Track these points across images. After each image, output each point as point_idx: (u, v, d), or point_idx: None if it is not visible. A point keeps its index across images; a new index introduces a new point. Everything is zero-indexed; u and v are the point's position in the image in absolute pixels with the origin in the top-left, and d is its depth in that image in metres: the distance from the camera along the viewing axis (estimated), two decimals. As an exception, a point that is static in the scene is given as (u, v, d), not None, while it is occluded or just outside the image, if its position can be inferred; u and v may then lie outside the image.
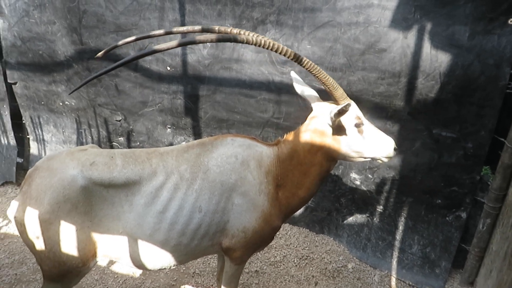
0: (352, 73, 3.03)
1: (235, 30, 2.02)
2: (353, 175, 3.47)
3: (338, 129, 2.10)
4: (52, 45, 3.90)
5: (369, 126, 2.14)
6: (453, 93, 2.80)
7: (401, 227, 3.42)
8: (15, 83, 4.31)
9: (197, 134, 3.86)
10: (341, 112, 1.98)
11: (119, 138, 4.21)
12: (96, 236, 2.08)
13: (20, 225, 2.03)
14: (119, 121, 4.08)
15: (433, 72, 2.80)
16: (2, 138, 4.63)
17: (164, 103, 3.79)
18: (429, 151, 3.06)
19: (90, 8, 3.56)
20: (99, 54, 2.11)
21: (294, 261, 3.55)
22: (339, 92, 2.07)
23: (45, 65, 4.06)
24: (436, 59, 2.76)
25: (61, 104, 4.24)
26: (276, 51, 1.90)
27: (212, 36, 1.82)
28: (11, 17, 3.92)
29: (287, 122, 3.45)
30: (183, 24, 3.37)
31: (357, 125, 2.09)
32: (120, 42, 2.08)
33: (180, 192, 2.11)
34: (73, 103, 4.18)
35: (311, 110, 2.26)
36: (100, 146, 4.31)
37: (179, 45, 1.82)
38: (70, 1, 3.59)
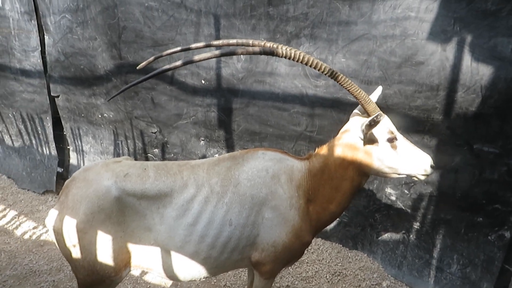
0: (388, 87, 2.98)
1: (269, 44, 2.03)
2: (389, 190, 3.39)
3: (370, 143, 2.06)
4: (93, 60, 4.06)
5: (403, 141, 2.07)
6: (496, 107, 2.69)
7: (439, 245, 3.29)
8: (57, 96, 4.51)
9: (230, 147, 3.89)
10: (372, 124, 1.94)
11: (154, 150, 4.30)
12: (128, 247, 2.12)
13: (57, 234, 2.10)
14: (155, 133, 4.18)
15: (474, 86, 2.70)
16: (44, 149, 4.84)
17: (198, 115, 3.86)
18: (470, 167, 2.94)
19: (129, 24, 3.69)
20: (141, 65, 2.20)
21: (326, 277, 3.48)
22: (371, 106, 2.03)
23: (86, 79, 4.23)
24: (477, 72, 2.67)
25: (100, 116, 4.39)
26: (313, 66, 1.91)
27: (256, 48, 1.87)
28: (56, 34, 4.12)
29: (320, 135, 3.42)
30: (217, 39, 3.43)
31: (390, 140, 2.03)
32: (165, 53, 2.16)
33: (210, 205, 2.12)
34: (111, 115, 4.32)
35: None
36: (135, 157, 4.42)
37: (222, 55, 1.87)
38: (110, 18, 3.74)
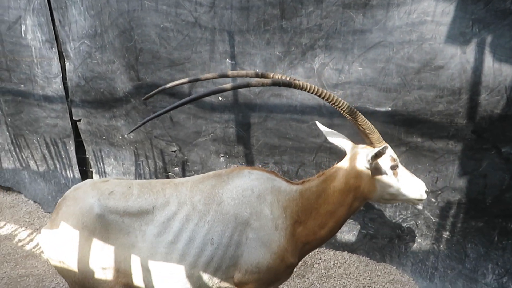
0: (407, 93, 2.92)
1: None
2: (415, 199, 3.29)
3: (374, 172, 2.15)
4: (112, 82, 4.15)
5: (402, 169, 2.19)
6: (523, 108, 2.60)
7: (471, 255, 3.16)
8: (79, 120, 4.60)
9: (249, 162, 3.87)
10: (378, 155, 2.05)
11: (175, 168, 4.32)
12: (115, 265, 2.13)
13: (49, 252, 2.16)
14: (174, 151, 4.21)
15: (498, 87, 2.62)
16: (68, 172, 4.93)
17: (216, 132, 3.86)
18: (499, 171, 2.83)
19: (145, 46, 3.76)
20: (146, 96, 2.33)
21: (355, 291, 3.38)
22: (376, 135, 2.15)
23: (106, 102, 4.31)
24: (500, 73, 2.59)
25: (120, 137, 4.45)
26: (331, 102, 2.05)
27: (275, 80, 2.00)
28: (76, 60, 4.24)
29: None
30: (233, 55, 3.46)
31: (393, 167, 2.14)
32: (169, 85, 2.27)
33: (191, 223, 2.11)
34: (131, 136, 4.37)
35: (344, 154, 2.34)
36: (156, 176, 4.45)
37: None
38: (127, 41, 3.82)
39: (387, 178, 2.14)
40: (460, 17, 2.61)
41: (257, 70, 3.43)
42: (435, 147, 3.00)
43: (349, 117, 2.12)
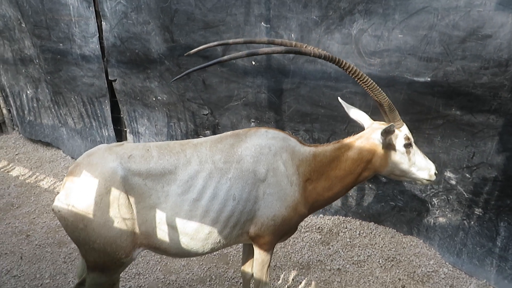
0: (449, 63, 2.78)
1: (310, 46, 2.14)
2: (448, 174, 3.21)
3: (387, 148, 2.27)
4: (147, 43, 4.17)
5: (416, 149, 2.30)
6: None
7: (503, 233, 3.08)
8: (115, 80, 4.69)
9: (280, 128, 3.84)
10: (388, 132, 2.17)
11: (206, 132, 4.37)
12: (137, 227, 2.13)
13: (66, 219, 2.08)
14: (206, 115, 4.24)
15: (550, 60, 2.45)
16: (103, 131, 5.09)
17: (248, 97, 3.85)
18: (542, 149, 2.70)
19: (181, 7, 3.73)
20: (190, 52, 2.31)
21: (379, 261, 3.39)
22: (394, 113, 2.25)
23: (140, 63, 4.35)
24: (553, 45, 2.42)
25: (154, 99, 4.52)
26: (351, 74, 2.12)
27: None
28: (112, 20, 4.27)
29: (375, 116, 3.27)
30: (268, 19, 3.38)
31: (406, 146, 2.24)
32: (203, 46, 2.28)
33: (214, 180, 2.19)
34: (164, 98, 4.43)
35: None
36: (187, 139, 4.52)
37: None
38: (163, 2, 3.80)
39: (399, 155, 2.26)
40: (515, -18, 2.42)
41: (293, 36, 3.36)
42: (474, 121, 2.88)
43: (371, 93, 2.19)
